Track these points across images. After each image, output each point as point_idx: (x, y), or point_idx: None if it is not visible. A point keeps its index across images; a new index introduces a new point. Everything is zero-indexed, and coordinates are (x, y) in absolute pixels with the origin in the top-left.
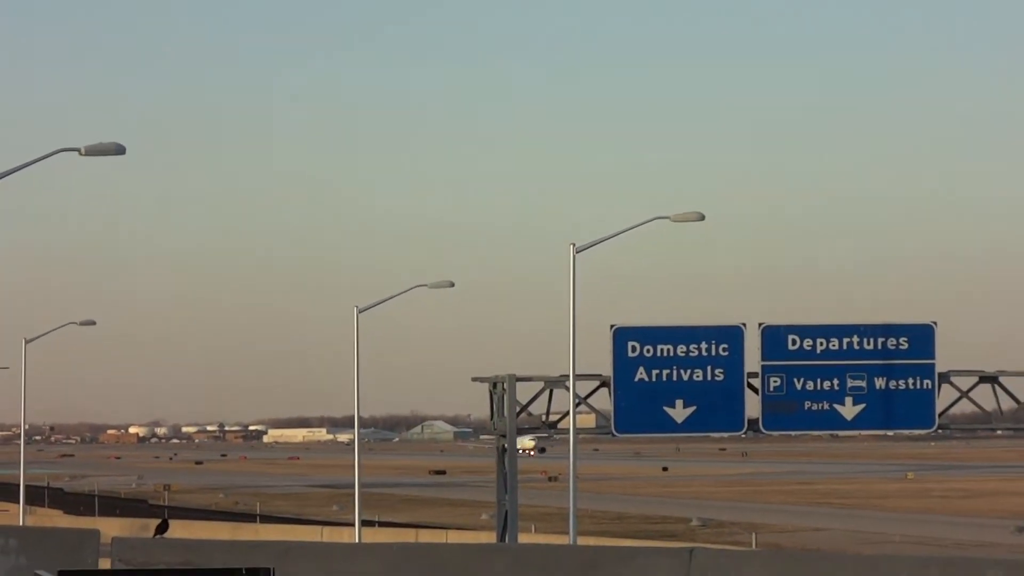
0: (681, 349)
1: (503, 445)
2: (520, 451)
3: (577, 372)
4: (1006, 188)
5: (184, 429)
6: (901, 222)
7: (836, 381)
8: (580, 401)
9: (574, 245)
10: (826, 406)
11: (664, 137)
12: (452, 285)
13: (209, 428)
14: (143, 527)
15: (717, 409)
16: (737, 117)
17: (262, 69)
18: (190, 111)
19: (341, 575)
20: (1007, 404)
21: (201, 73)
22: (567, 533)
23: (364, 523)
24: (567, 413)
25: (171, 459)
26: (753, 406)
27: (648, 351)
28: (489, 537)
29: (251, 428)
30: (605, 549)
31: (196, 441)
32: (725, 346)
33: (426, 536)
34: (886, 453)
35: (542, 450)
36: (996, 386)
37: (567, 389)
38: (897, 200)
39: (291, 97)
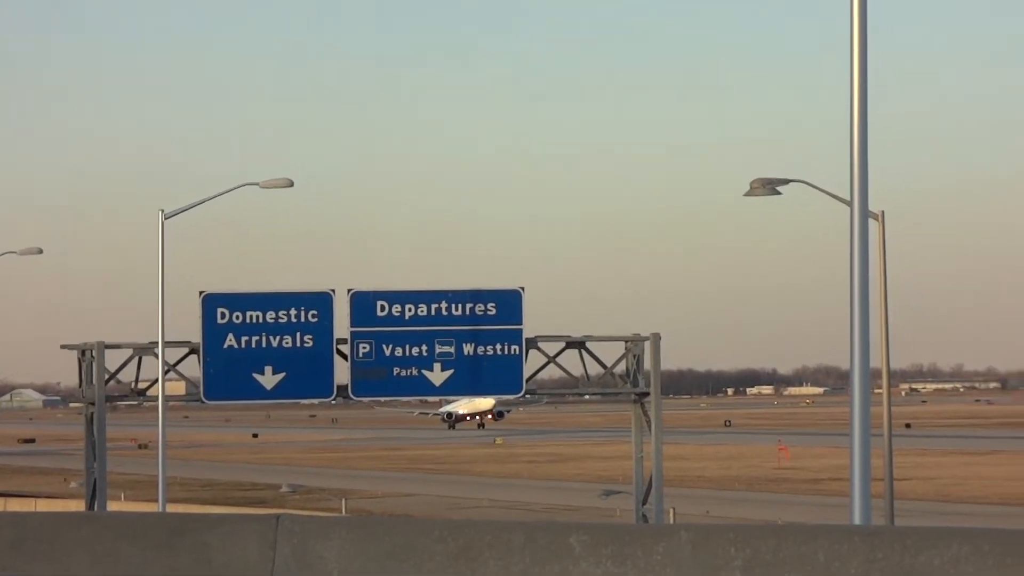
0: (271, 316)
1: (91, 413)
2: (468, 417)
3: (168, 339)
4: (587, 161)
5: None
6: (491, 187)
7: (425, 347)
8: (169, 368)
9: (163, 211)
10: (415, 372)
11: (253, 101)
12: (40, 252)
13: None
14: None
15: (306, 375)
16: (325, 81)
17: None
18: None
19: None
20: (594, 369)
21: None
22: (157, 500)
23: None
24: (156, 380)
25: None
26: (343, 372)
27: (237, 318)
28: (78, 505)
29: None
30: (192, 516)
31: None
32: (315, 312)
33: (14, 504)
34: None
35: (500, 414)
36: (583, 351)
37: (156, 356)
38: (486, 165)
39: None
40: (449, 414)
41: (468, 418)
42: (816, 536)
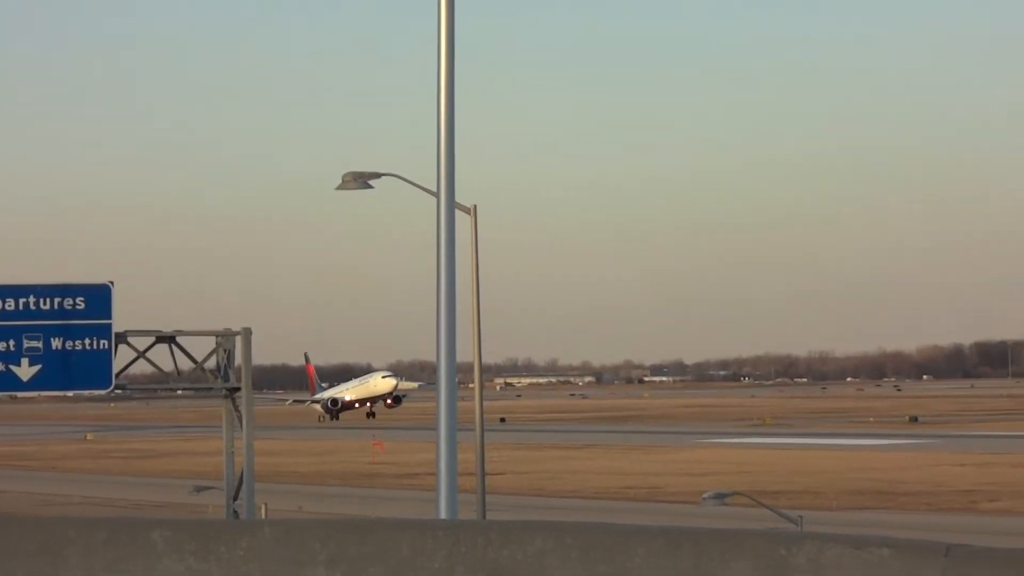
0: None
1: None
2: (357, 404)
3: None
4: (178, 154)
5: None
6: (80, 179)
7: (12, 342)
8: None
9: None
10: (1, 367)
11: None
12: None
13: None
14: None
15: None
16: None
17: None
18: None
19: None
20: (185, 364)
21: None
22: None
23: None
24: None
25: None
26: None
27: None
28: None
29: None
30: None
31: None
32: None
33: None
34: (66, 414)
35: (397, 400)
36: (173, 346)
37: None
38: (76, 156)
39: None
40: (334, 400)
41: (357, 405)
42: (402, 530)
